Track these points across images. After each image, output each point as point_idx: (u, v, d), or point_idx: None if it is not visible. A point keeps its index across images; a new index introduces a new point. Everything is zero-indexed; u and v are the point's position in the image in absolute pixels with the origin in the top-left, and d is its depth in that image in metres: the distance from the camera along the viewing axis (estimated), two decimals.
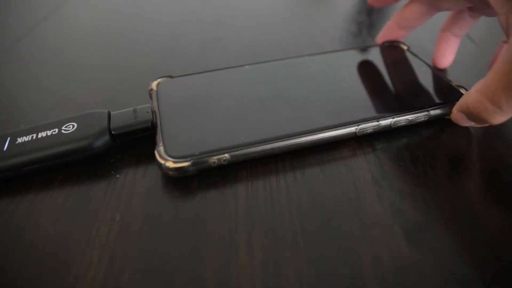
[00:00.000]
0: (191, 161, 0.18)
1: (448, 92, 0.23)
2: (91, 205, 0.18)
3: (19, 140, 0.20)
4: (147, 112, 0.21)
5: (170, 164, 0.18)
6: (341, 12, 0.38)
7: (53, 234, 0.17)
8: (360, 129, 0.21)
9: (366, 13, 0.38)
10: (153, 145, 0.20)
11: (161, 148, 0.19)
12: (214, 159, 0.19)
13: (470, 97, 0.20)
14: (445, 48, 0.27)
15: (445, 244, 0.16)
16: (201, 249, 0.16)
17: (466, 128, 0.22)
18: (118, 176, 0.20)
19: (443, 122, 0.22)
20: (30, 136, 0.20)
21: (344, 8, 0.39)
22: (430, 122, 0.22)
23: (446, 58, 0.27)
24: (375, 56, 0.27)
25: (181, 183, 0.19)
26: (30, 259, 0.16)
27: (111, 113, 0.21)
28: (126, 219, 0.18)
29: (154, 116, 0.21)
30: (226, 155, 0.19)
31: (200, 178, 0.20)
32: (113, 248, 0.16)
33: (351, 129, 0.21)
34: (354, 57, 0.27)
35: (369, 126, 0.21)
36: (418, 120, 0.22)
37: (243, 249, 0.16)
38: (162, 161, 0.19)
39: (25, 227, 0.17)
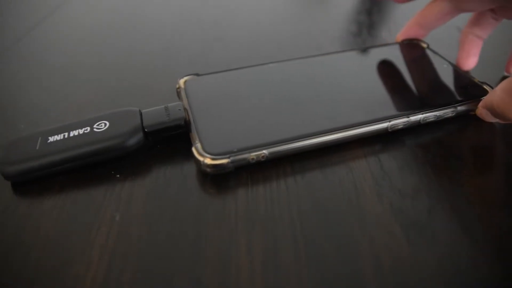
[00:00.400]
0: (230, 158, 0.19)
1: (471, 88, 0.24)
2: (91, 205, 0.18)
3: (51, 139, 0.20)
4: (179, 109, 0.21)
5: (209, 161, 0.18)
6: (341, 12, 0.38)
7: (53, 234, 0.17)
8: (392, 125, 0.21)
9: (366, 13, 0.38)
10: (157, 146, 0.20)
11: (199, 145, 0.19)
12: (252, 155, 0.19)
13: (495, 95, 0.20)
14: (469, 49, 0.26)
15: (445, 244, 0.16)
16: (201, 249, 0.16)
17: (467, 128, 0.22)
18: (118, 176, 0.20)
19: (444, 122, 0.22)
20: (62, 135, 0.20)
21: (344, 8, 0.39)
22: (455, 118, 0.23)
23: (471, 59, 0.27)
24: (398, 54, 0.27)
25: (180, 183, 0.19)
26: (30, 259, 0.16)
27: (142, 111, 0.21)
28: (126, 219, 0.18)
29: (186, 114, 0.21)
30: (264, 151, 0.19)
31: (200, 178, 0.20)
32: (113, 248, 0.16)
33: (383, 125, 0.21)
34: (377, 55, 0.28)
35: (400, 122, 0.21)
36: (445, 116, 0.22)
37: (243, 249, 0.16)
38: (201, 158, 0.19)
39: (25, 227, 0.17)
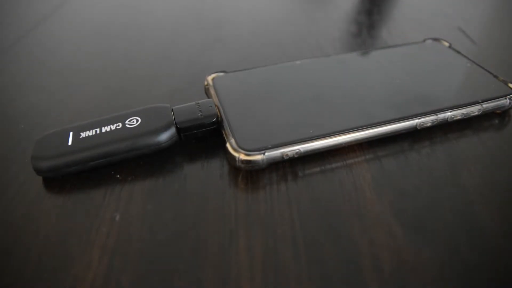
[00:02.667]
0: (265, 153, 0.19)
1: (496, 86, 0.24)
2: (91, 205, 0.18)
3: (83, 134, 0.20)
4: (211, 106, 0.21)
5: (244, 156, 0.19)
6: (340, 13, 0.38)
7: (53, 234, 0.17)
8: (421, 123, 0.21)
9: (366, 14, 0.38)
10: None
11: (233, 141, 0.19)
12: (286, 151, 0.19)
13: None
14: None
15: (446, 245, 0.16)
16: (201, 249, 0.16)
17: (466, 129, 0.22)
18: (118, 176, 0.20)
19: (443, 123, 0.22)
20: (94, 130, 0.20)
21: (344, 8, 0.39)
22: (482, 116, 0.23)
23: None
24: (422, 53, 0.28)
25: (180, 183, 0.19)
26: (30, 259, 0.16)
27: (173, 107, 0.21)
28: (126, 219, 0.18)
29: (218, 110, 0.21)
30: (298, 147, 0.19)
31: (200, 179, 0.20)
32: (113, 248, 0.16)
33: (413, 122, 0.21)
34: (401, 53, 0.28)
35: (429, 120, 0.21)
36: (472, 114, 0.22)
37: (243, 249, 0.16)
38: (236, 154, 0.19)
39: (25, 227, 0.17)
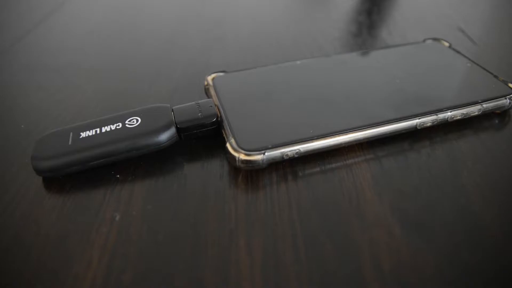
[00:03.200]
0: (265, 153, 0.19)
1: (496, 86, 0.24)
2: (91, 205, 0.18)
3: (83, 134, 0.20)
4: (211, 106, 0.21)
5: (244, 156, 0.19)
6: (341, 13, 0.38)
7: (53, 234, 0.17)
8: (421, 123, 0.21)
9: (366, 13, 0.38)
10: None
11: (233, 141, 0.19)
12: (286, 151, 0.19)
13: None
14: None
15: (445, 244, 0.16)
16: (201, 249, 0.16)
17: (466, 129, 0.22)
18: (118, 176, 0.20)
19: (443, 123, 0.22)
20: (94, 130, 0.20)
21: (344, 8, 0.39)
22: (482, 116, 0.23)
23: None
24: (422, 53, 0.28)
25: (180, 183, 0.19)
26: (30, 259, 0.16)
27: (173, 107, 0.21)
28: (126, 219, 0.18)
29: (217, 110, 0.21)
30: (298, 147, 0.19)
31: (200, 178, 0.20)
32: (113, 248, 0.16)
33: (413, 122, 0.21)
34: (401, 53, 0.28)
35: (429, 119, 0.21)
36: (472, 114, 0.22)
37: (243, 249, 0.16)
38: (236, 154, 0.19)
39: (25, 227, 0.17)
